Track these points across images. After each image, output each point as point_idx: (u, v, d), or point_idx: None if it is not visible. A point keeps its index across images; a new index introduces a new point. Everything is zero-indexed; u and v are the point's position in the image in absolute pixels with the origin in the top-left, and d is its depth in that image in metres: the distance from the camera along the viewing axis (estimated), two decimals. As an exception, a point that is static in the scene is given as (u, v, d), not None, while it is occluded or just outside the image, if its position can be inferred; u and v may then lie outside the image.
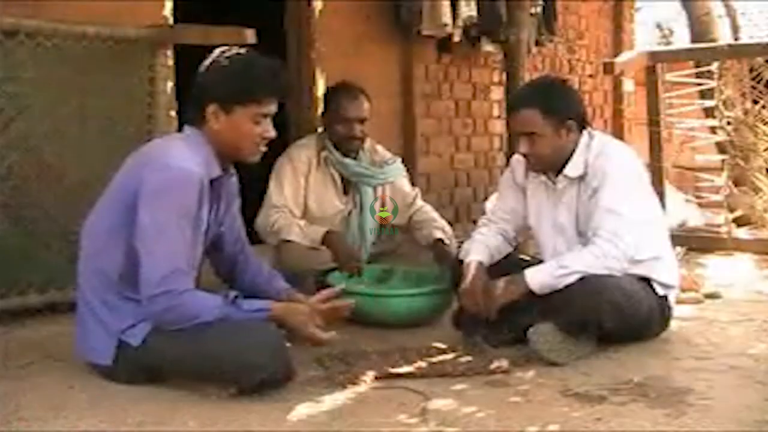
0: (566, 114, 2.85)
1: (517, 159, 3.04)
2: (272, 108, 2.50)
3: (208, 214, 2.50)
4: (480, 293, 2.81)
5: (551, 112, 2.82)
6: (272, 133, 2.52)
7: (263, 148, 2.54)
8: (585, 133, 2.91)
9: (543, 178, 2.97)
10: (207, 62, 2.51)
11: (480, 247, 2.99)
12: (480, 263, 2.92)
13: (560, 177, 2.91)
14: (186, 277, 2.36)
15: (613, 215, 2.74)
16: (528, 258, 3.23)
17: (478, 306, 2.81)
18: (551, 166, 2.91)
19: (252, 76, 2.45)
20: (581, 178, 2.87)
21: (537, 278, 2.75)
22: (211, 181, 2.46)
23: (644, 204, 2.88)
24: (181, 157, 2.38)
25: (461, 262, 2.99)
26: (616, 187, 2.78)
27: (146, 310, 2.35)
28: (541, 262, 2.93)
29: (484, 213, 3.20)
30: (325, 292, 2.64)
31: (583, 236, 2.85)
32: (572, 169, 2.88)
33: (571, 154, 2.87)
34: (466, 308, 2.87)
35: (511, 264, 2.97)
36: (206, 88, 2.46)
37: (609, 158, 2.84)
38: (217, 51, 2.53)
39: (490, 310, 2.79)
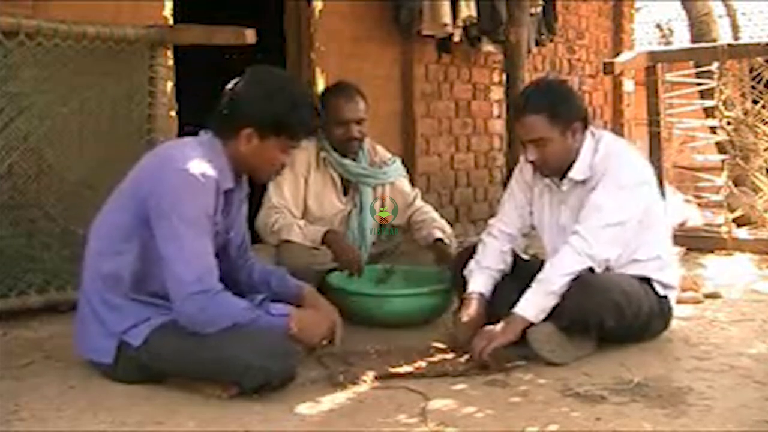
0: (572, 116, 2.83)
1: (525, 159, 3.04)
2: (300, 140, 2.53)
3: (215, 220, 2.48)
4: (475, 331, 2.73)
5: (558, 116, 2.80)
6: (289, 159, 2.55)
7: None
8: (588, 133, 2.89)
9: (547, 180, 2.97)
10: (247, 81, 2.48)
11: (483, 277, 2.94)
12: (481, 296, 2.90)
13: (565, 180, 2.90)
14: (217, 276, 2.35)
15: (597, 212, 2.74)
16: (528, 258, 3.23)
17: (468, 342, 2.71)
18: (559, 169, 2.89)
19: (297, 114, 2.44)
20: (585, 180, 2.87)
21: (531, 311, 2.67)
22: (224, 192, 2.45)
23: (636, 204, 2.81)
24: (199, 160, 2.37)
25: (464, 264, 3.00)
26: (611, 187, 2.77)
27: (178, 311, 2.31)
28: (541, 263, 2.92)
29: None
30: None
31: None
32: (578, 173, 2.86)
33: (576, 156, 2.86)
34: (459, 339, 2.79)
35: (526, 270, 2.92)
36: (246, 112, 2.43)
37: (613, 160, 2.83)
38: (256, 69, 2.51)
39: (485, 353, 2.63)
